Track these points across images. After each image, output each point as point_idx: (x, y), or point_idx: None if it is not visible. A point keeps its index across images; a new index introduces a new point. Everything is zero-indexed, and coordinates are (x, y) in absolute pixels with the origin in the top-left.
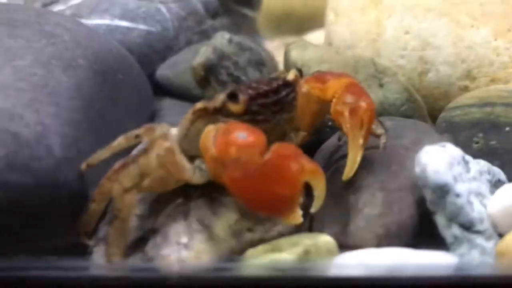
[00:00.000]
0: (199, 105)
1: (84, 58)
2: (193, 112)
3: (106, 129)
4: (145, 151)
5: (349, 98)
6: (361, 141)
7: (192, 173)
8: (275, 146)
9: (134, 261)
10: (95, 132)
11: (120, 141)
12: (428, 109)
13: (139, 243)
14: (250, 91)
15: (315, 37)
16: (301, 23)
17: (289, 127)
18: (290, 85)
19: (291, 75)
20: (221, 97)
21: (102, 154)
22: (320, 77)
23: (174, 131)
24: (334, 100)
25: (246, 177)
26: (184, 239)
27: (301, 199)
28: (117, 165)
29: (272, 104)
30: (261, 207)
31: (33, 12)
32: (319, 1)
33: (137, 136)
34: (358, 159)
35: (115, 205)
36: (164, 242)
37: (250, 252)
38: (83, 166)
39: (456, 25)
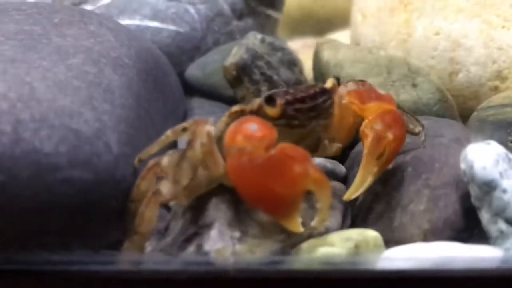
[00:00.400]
0: (235, 108)
1: (128, 57)
2: (229, 115)
3: (152, 126)
4: (189, 144)
5: (379, 125)
6: (374, 169)
7: (223, 170)
8: (283, 145)
9: (190, 255)
10: (144, 129)
11: (168, 135)
12: (458, 109)
13: (193, 237)
14: (287, 96)
15: (338, 38)
16: (319, 24)
17: (324, 135)
18: (327, 93)
19: (329, 83)
20: (258, 101)
21: (152, 148)
22: (363, 95)
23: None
24: (365, 121)
25: (247, 168)
26: (237, 233)
27: (300, 206)
28: (150, 164)
29: (309, 109)
30: (258, 203)
31: (76, 12)
32: (337, 2)
33: (184, 129)
34: (366, 184)
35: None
36: (219, 236)
37: (303, 246)
38: (136, 161)
39: (487, 26)
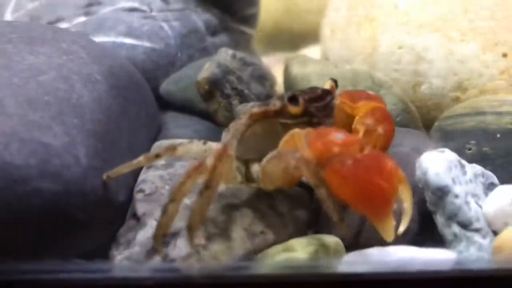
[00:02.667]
0: (255, 110)
1: (100, 74)
2: (249, 117)
3: (123, 141)
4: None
5: (370, 120)
6: None
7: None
8: (370, 147)
9: (156, 263)
10: (114, 144)
11: (140, 160)
12: (422, 119)
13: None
14: (305, 96)
15: (309, 52)
16: (294, 39)
17: None
18: (330, 93)
19: (327, 85)
20: (277, 102)
21: (123, 169)
22: (354, 95)
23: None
24: (356, 118)
25: (348, 168)
26: (202, 241)
27: (395, 205)
28: (196, 164)
29: (322, 108)
30: (360, 198)
31: (49, 30)
32: (311, 18)
33: (157, 156)
34: None
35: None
36: (185, 244)
37: (265, 252)
38: (104, 176)
39: (447, 40)
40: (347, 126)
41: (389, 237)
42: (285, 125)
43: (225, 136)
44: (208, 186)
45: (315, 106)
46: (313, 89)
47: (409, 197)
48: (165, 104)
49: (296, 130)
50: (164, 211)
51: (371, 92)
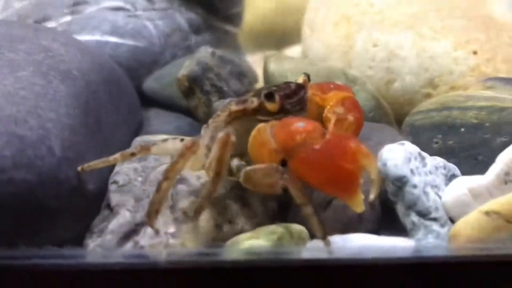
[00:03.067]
0: (234, 107)
1: (78, 70)
2: (228, 114)
3: (100, 135)
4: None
5: (340, 109)
6: None
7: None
8: (332, 131)
9: (127, 250)
10: (91, 137)
11: (116, 157)
12: (395, 115)
13: (131, 234)
14: (280, 92)
15: (294, 51)
16: (281, 38)
17: None
18: (303, 87)
19: (300, 79)
20: (255, 99)
21: (97, 164)
22: (323, 86)
23: (200, 141)
24: (327, 107)
25: (314, 156)
26: (171, 229)
27: (361, 181)
28: (189, 143)
29: (296, 103)
30: (328, 183)
31: (30, 28)
32: (297, 18)
33: (132, 154)
34: None
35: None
36: (154, 233)
37: (232, 240)
38: (79, 169)
39: (419, 37)
40: (318, 116)
41: (360, 209)
42: (263, 122)
43: (204, 132)
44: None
45: (290, 102)
46: (287, 84)
47: (375, 168)
48: (149, 101)
49: (262, 125)
50: (158, 189)
51: (340, 83)
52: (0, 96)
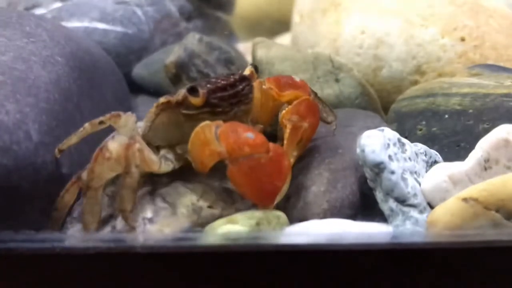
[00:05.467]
0: (162, 99)
1: (61, 56)
2: (156, 106)
3: (83, 120)
4: (126, 172)
5: (295, 118)
6: (294, 153)
7: (158, 164)
8: (274, 146)
9: (105, 234)
10: (72, 122)
11: (86, 127)
12: (382, 102)
13: (109, 219)
14: (209, 85)
15: (286, 38)
16: (274, 26)
17: (246, 119)
18: (246, 80)
19: (247, 71)
20: (182, 92)
21: (71, 139)
22: (281, 83)
23: (139, 124)
24: (283, 112)
25: (255, 170)
26: (149, 215)
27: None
28: (73, 179)
29: (230, 96)
30: (258, 194)
31: (14, 14)
32: (291, 6)
33: (101, 122)
34: None
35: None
36: (132, 218)
37: (210, 225)
38: (56, 151)
39: (407, 24)
40: (273, 109)
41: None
42: (188, 116)
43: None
44: (127, 172)
45: (220, 96)
46: (227, 76)
47: (287, 183)
48: (138, 87)
49: (207, 123)
50: (51, 218)
51: (297, 79)
52: None
